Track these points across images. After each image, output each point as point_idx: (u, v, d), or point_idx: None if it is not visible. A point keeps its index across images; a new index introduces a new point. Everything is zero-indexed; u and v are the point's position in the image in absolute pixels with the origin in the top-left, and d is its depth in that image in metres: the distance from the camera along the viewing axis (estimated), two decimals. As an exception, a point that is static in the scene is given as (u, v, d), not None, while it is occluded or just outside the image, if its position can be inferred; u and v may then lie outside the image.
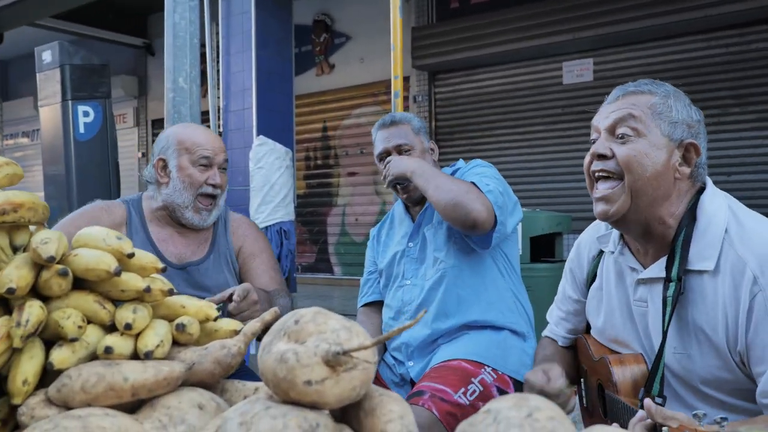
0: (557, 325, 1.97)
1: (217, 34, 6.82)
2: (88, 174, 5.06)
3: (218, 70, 6.81)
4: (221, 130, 6.65)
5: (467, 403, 2.06)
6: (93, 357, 1.17)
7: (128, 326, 1.14)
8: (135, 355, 1.16)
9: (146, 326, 1.18)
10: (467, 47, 7.92)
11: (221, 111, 6.69)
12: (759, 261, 1.36)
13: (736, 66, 6.66)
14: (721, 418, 1.26)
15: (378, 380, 2.42)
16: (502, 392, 2.18)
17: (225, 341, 1.20)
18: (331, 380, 0.92)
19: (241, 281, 2.35)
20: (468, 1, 8.29)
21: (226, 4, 6.67)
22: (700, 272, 1.44)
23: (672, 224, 1.50)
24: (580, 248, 1.87)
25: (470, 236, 2.31)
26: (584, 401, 1.87)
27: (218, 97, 6.75)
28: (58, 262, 1.14)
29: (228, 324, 1.29)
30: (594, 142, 1.56)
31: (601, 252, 1.75)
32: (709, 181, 1.55)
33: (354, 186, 9.52)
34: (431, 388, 2.07)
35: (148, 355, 1.13)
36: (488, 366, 2.23)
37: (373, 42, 9.05)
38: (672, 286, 1.45)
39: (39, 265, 1.16)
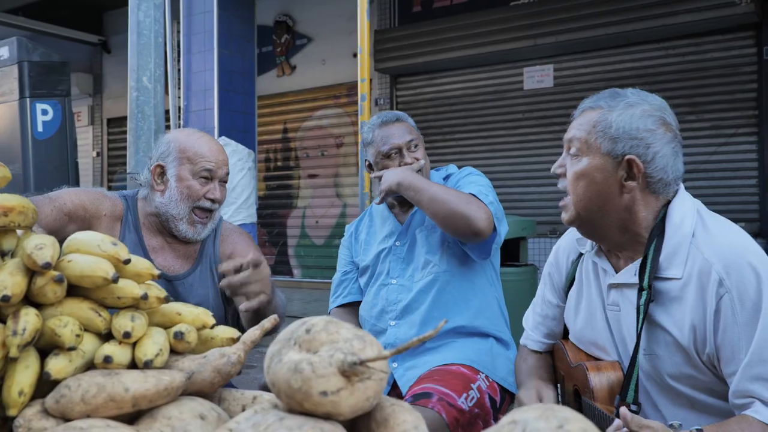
0: (534, 330, 1.97)
1: (178, 32, 6.72)
2: (46, 174, 4.91)
3: (179, 70, 6.71)
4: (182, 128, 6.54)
5: (467, 409, 2.07)
6: (88, 366, 1.14)
7: (127, 335, 1.11)
8: (132, 364, 1.13)
9: (143, 334, 1.15)
10: (429, 51, 7.96)
11: (182, 111, 6.59)
12: (724, 263, 1.40)
13: (691, 75, 6.84)
14: (697, 429, 1.29)
15: None
16: (492, 400, 2.20)
17: (224, 349, 1.18)
18: (346, 390, 0.91)
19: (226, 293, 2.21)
20: (430, 5, 8.34)
21: (187, 3, 6.57)
22: (670, 279, 1.48)
23: (643, 233, 1.54)
24: (559, 252, 1.90)
25: (468, 245, 2.31)
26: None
27: (179, 97, 6.66)
28: (53, 267, 1.11)
29: (224, 331, 1.27)
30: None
31: (580, 255, 1.79)
32: (681, 188, 1.58)
33: (314, 188, 9.47)
34: (438, 392, 2.06)
35: (148, 365, 1.10)
36: (482, 373, 2.25)
37: (335, 44, 9.03)
38: (644, 294, 1.48)
39: (31, 271, 1.12)
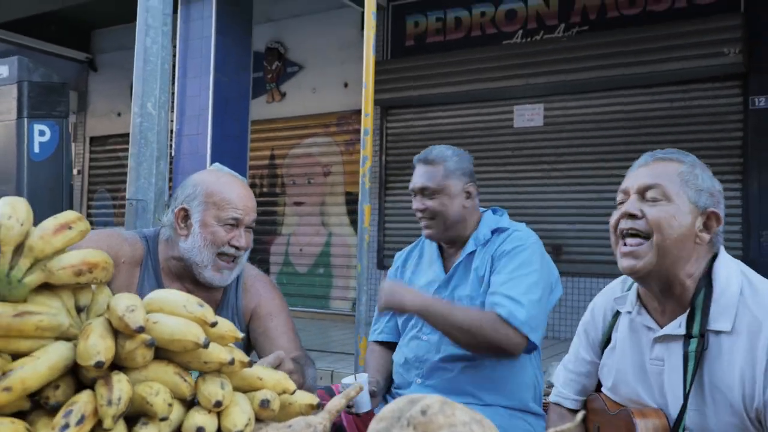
0: (566, 387, 1.95)
1: (174, 56, 6.66)
2: (40, 196, 4.77)
3: (173, 93, 6.64)
4: (173, 153, 6.47)
5: None
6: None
7: (218, 404, 1.07)
8: (218, 432, 1.09)
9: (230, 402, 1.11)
10: (421, 85, 8.00)
11: (174, 134, 6.51)
12: None
13: (678, 121, 6.96)
14: None
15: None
16: None
17: (309, 419, 1.14)
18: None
19: (253, 344, 2.11)
20: (423, 40, 8.40)
21: (185, 28, 6.53)
22: (718, 332, 1.48)
23: (689, 285, 1.55)
24: (595, 310, 1.89)
25: None
26: None
27: (171, 121, 6.58)
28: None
29: (304, 398, 1.22)
30: (621, 204, 1.63)
31: (617, 313, 1.78)
32: (721, 248, 1.61)
33: (300, 216, 9.40)
34: None
35: None
36: None
37: (326, 73, 9.03)
38: (693, 342, 1.49)
39: (116, 332, 1.07)
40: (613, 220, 1.64)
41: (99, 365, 1.00)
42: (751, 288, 1.51)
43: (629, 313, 1.71)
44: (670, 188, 1.53)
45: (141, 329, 1.03)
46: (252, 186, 9.42)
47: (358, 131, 8.76)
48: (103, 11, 9.41)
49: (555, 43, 7.45)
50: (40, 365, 1.00)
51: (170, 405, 1.04)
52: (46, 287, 1.10)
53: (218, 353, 1.12)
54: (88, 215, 11.36)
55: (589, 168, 7.38)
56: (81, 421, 0.97)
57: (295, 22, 9.26)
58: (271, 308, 2.10)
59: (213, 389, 1.08)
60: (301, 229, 9.35)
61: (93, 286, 1.20)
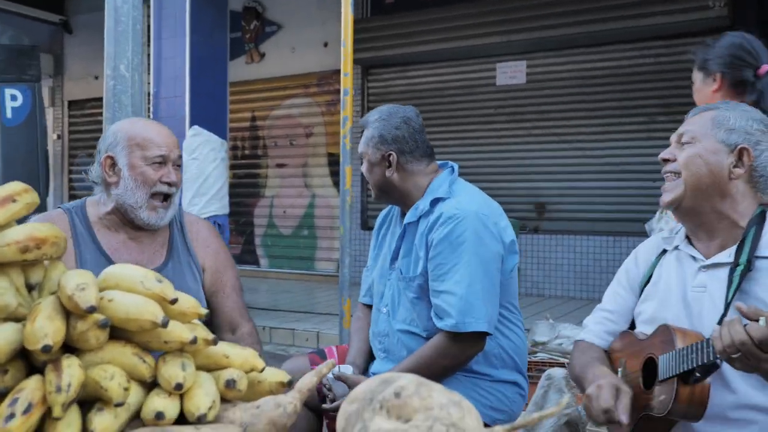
0: (596, 324, 1.94)
1: (149, 16, 6.46)
2: (15, 162, 4.63)
3: (149, 55, 6.46)
4: (151, 116, 6.31)
5: None
6: (132, 418, 1.01)
7: (179, 386, 0.99)
8: (180, 415, 1.01)
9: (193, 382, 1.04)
10: (401, 43, 7.82)
11: (151, 97, 6.35)
12: None
13: (664, 76, 6.86)
14: None
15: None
16: None
17: (278, 399, 1.06)
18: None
19: (208, 299, 2.11)
20: (404, -4, 8.20)
21: (159, -13, 6.32)
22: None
23: (740, 222, 1.65)
24: (639, 252, 1.96)
25: None
26: None
27: (148, 83, 6.41)
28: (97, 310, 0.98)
29: (274, 375, 1.15)
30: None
31: (663, 253, 1.86)
32: None
33: (283, 178, 9.27)
34: None
35: (201, 419, 0.99)
36: None
37: (305, 33, 8.82)
38: (739, 268, 1.57)
39: (68, 312, 0.99)
40: (660, 156, 1.78)
41: (46, 349, 0.92)
42: None
43: (676, 248, 1.80)
44: (699, 131, 1.68)
45: (92, 309, 0.95)
46: (234, 148, 9.33)
47: (338, 91, 8.60)
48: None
49: (538, -2, 7.29)
50: (-18, 351, 0.93)
51: (126, 389, 0.96)
52: (-8, 264, 1.01)
53: (179, 332, 1.04)
54: (70, 180, 11.17)
55: (573, 126, 7.29)
56: (28, 409, 0.89)
57: (273, -20, 9.01)
58: (218, 264, 2.14)
59: (173, 371, 1.00)
60: (284, 191, 9.23)
61: (45, 262, 1.11)
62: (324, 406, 2.18)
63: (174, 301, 1.05)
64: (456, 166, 2.32)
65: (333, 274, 8.41)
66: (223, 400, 1.08)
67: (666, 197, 1.71)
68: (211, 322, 2.07)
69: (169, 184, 1.94)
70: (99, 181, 2.01)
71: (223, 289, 2.11)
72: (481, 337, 2.05)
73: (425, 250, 2.12)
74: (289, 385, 1.15)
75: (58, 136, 10.83)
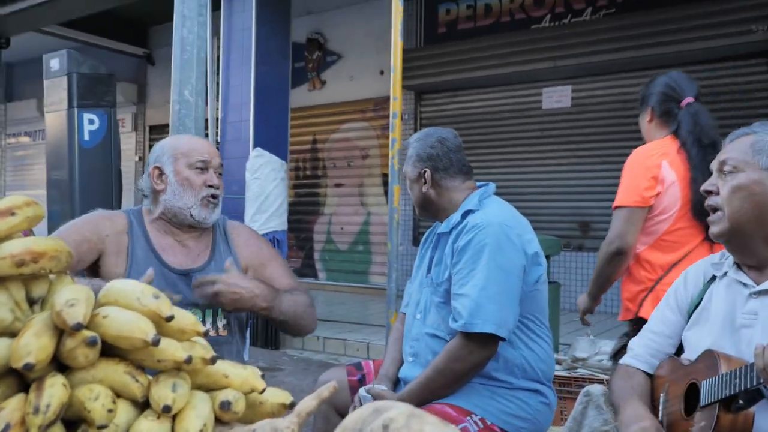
0: (641, 347, 1.77)
1: (218, 48, 6.54)
2: (91, 180, 4.72)
3: (218, 83, 6.53)
4: (219, 139, 6.37)
5: None
6: (122, 440, 0.91)
7: (167, 408, 0.88)
8: (172, 438, 0.91)
9: (185, 403, 0.93)
10: (452, 70, 7.72)
11: (219, 121, 6.40)
12: None
13: (706, 99, 6.46)
14: None
15: None
16: None
17: (276, 423, 0.94)
18: None
19: None
20: (455, 27, 8.09)
21: (227, 20, 6.41)
22: None
23: None
24: (688, 276, 1.78)
25: None
26: (660, 416, 1.64)
27: (217, 108, 6.47)
28: (85, 327, 0.88)
29: (275, 396, 1.03)
30: None
31: (712, 279, 1.68)
32: None
33: (340, 197, 9.24)
34: None
35: None
36: (477, 414, 1.94)
37: (363, 61, 8.81)
38: None
39: (61, 329, 0.90)
40: (702, 188, 1.63)
41: (28, 367, 0.82)
42: None
43: (725, 274, 1.63)
44: (741, 159, 1.51)
45: (78, 326, 0.85)
46: (295, 169, 9.36)
47: (394, 115, 8.56)
48: (158, 9, 9.36)
49: (582, 26, 7.07)
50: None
51: (111, 411, 0.86)
52: (-9, 279, 0.93)
53: (173, 351, 0.93)
54: (150, 198, 11.38)
55: (615, 147, 7.00)
56: (5, 430, 0.80)
57: (334, 14, 9.05)
58: (262, 258, 2.14)
59: (163, 392, 0.90)
60: (342, 209, 9.20)
61: (52, 276, 1.03)
62: None
63: (170, 318, 0.94)
64: (493, 185, 2.23)
65: (385, 287, 8.28)
66: (220, 421, 0.97)
67: (713, 230, 1.57)
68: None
69: (213, 187, 1.99)
70: (148, 192, 2.05)
71: (272, 274, 2.10)
72: (490, 340, 1.91)
73: (452, 257, 2.04)
74: (291, 407, 1.03)
75: (140, 158, 11.11)
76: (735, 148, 1.54)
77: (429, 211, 2.23)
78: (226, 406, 0.94)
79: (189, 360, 0.93)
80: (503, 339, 1.93)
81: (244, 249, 2.13)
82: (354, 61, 8.93)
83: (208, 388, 1.00)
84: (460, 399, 1.97)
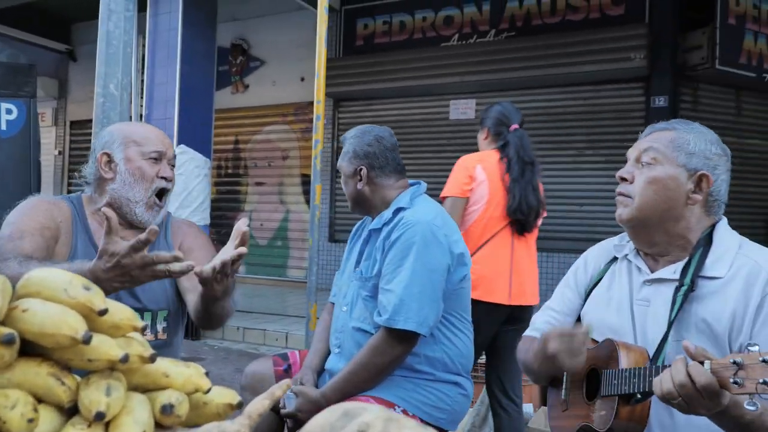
0: (544, 323, 1.71)
1: (143, 46, 6.14)
2: (7, 171, 4.24)
3: (142, 80, 6.12)
4: (142, 136, 5.96)
5: None
6: (44, 452, 0.72)
7: (100, 416, 0.70)
8: (104, 448, 0.73)
9: (121, 408, 0.75)
10: (368, 80, 7.63)
11: (143, 118, 6.00)
12: None
13: (590, 116, 6.78)
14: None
15: None
16: None
17: (223, 426, 0.78)
18: None
19: (181, 291, 1.78)
20: (372, 40, 8.00)
21: (154, 20, 6.00)
22: (713, 278, 1.37)
23: (692, 241, 1.44)
24: (588, 257, 1.71)
25: None
26: (562, 395, 1.59)
27: (141, 105, 6.07)
28: (0, 323, 0.69)
29: (222, 396, 0.86)
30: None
31: (613, 260, 1.63)
32: (724, 219, 1.48)
33: (261, 195, 8.92)
34: None
35: None
36: (399, 406, 1.85)
37: (285, 68, 8.55)
38: (684, 288, 1.37)
39: (-30, 325, 0.70)
40: (618, 174, 1.53)
41: (-75, 372, 0.63)
42: (750, 244, 1.42)
43: (626, 256, 1.56)
44: (662, 152, 1.42)
45: (-8, 323, 0.66)
46: (217, 168, 8.96)
47: (311, 120, 8.37)
48: (82, 5, 8.72)
49: (486, 45, 7.17)
50: None
51: (31, 420, 0.67)
52: None
53: (106, 349, 0.75)
54: (69, 192, 10.62)
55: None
56: None
57: (258, 22, 8.73)
58: (193, 244, 1.83)
59: (95, 396, 0.71)
60: (262, 206, 8.89)
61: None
62: (282, 412, 1.90)
63: (103, 312, 0.76)
64: (425, 185, 2.13)
65: (303, 280, 8.09)
66: (161, 426, 0.79)
67: (622, 215, 1.48)
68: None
69: (166, 179, 1.72)
70: (92, 179, 1.74)
71: (198, 261, 1.64)
72: (411, 336, 1.82)
73: (382, 252, 1.93)
74: (238, 407, 0.87)
75: (60, 152, 10.30)
76: (657, 139, 1.45)
77: (362, 207, 2.09)
78: (168, 409, 0.77)
79: (125, 359, 0.75)
80: (423, 335, 1.84)
81: (178, 237, 1.86)
82: (276, 67, 8.65)
83: (146, 389, 0.82)
84: (384, 391, 1.87)
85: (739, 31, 6.12)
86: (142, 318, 1.67)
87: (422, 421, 1.88)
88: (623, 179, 1.48)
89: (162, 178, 1.71)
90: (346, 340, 2.00)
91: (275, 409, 1.95)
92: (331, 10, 4.78)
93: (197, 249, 1.83)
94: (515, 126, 2.90)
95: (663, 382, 1.13)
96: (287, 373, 2.11)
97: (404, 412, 1.85)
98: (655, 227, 1.44)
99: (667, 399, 1.13)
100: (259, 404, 0.80)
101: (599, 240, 1.73)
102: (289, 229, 8.68)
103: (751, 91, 6.63)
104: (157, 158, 1.71)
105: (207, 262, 1.64)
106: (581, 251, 1.76)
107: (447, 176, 8.76)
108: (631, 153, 1.50)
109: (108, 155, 1.69)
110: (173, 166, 1.78)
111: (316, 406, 1.78)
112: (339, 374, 1.88)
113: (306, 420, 1.81)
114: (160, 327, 1.74)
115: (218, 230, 8.80)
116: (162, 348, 1.67)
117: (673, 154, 1.41)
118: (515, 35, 7.11)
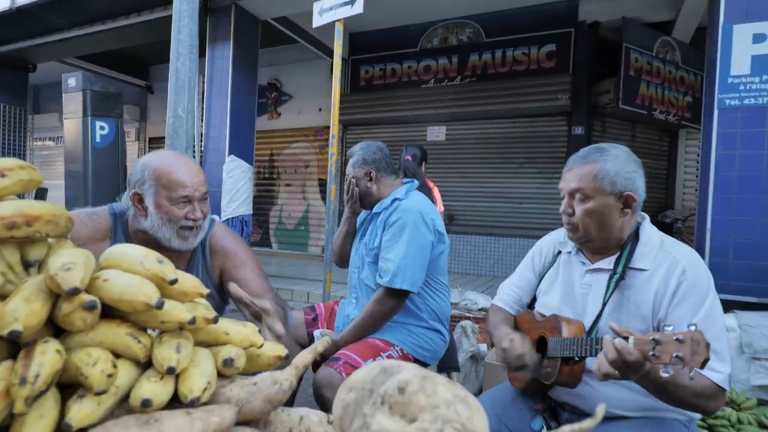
0: (507, 295, 1.61)
1: (203, 82, 5.96)
2: (101, 174, 4.08)
3: (202, 108, 5.94)
4: (203, 149, 5.79)
5: None
6: (121, 401, 0.60)
7: (172, 370, 0.59)
8: (174, 396, 0.61)
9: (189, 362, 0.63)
10: (368, 111, 7.46)
11: (204, 136, 5.82)
12: (689, 262, 1.22)
13: (528, 140, 6.67)
14: (693, 326, 0.97)
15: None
16: None
17: (276, 375, 0.67)
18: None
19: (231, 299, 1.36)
20: (371, 82, 7.83)
21: (211, 63, 5.83)
22: (639, 269, 1.26)
23: (623, 239, 1.32)
24: (543, 245, 1.59)
25: None
26: None
27: (201, 126, 5.89)
28: (82, 291, 0.57)
29: (272, 349, 0.75)
30: (563, 198, 1.34)
31: (559, 253, 1.51)
32: (646, 216, 1.36)
33: (289, 193, 8.73)
34: (345, 356, 1.64)
35: (194, 403, 0.58)
36: (397, 346, 1.79)
37: (306, 101, 8.37)
38: (616, 276, 1.27)
39: (57, 294, 0.57)
40: (561, 209, 1.36)
41: (14, 335, 0.50)
42: (669, 241, 1.30)
43: (569, 252, 1.45)
44: (589, 188, 1.27)
45: (75, 291, 0.54)
46: (258, 173, 8.77)
47: (327, 139, 8.21)
48: (157, 51, 8.48)
49: (454, 87, 7.03)
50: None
51: (110, 376, 0.55)
52: (-17, 240, 0.59)
53: (177, 312, 0.63)
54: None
55: (473, 167, 7.04)
56: (-15, 404, 0.47)
57: (288, 67, 8.54)
58: (237, 261, 1.42)
59: (167, 353, 0.60)
60: (290, 201, 8.71)
61: (51, 240, 0.69)
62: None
63: (174, 282, 0.64)
64: (416, 182, 2.05)
65: (319, 255, 7.99)
66: (223, 376, 0.68)
67: (571, 237, 1.35)
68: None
69: (194, 220, 1.32)
70: (128, 207, 1.37)
71: (245, 277, 1.39)
72: (404, 293, 1.78)
73: (382, 229, 1.87)
74: (285, 359, 0.76)
75: (141, 160, 10.04)
76: (582, 179, 1.27)
77: (369, 201, 1.97)
78: (229, 363, 0.66)
79: (193, 321, 0.64)
80: (414, 293, 1.79)
81: (219, 254, 1.45)
82: (300, 100, 8.47)
83: (210, 344, 0.70)
84: (387, 334, 1.81)
85: (636, 81, 6.04)
86: None
87: (414, 359, 1.82)
88: (566, 213, 1.34)
89: (190, 219, 1.31)
90: (360, 292, 1.95)
91: (307, 346, 1.87)
92: (342, 59, 4.68)
93: (243, 265, 1.43)
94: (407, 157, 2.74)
95: (600, 365, 1.04)
96: (315, 321, 2.02)
97: (401, 350, 1.79)
98: (596, 239, 1.33)
99: (606, 376, 1.03)
100: (305, 357, 0.69)
101: (534, 228, 1.62)
102: (310, 218, 8.54)
103: (643, 124, 6.57)
104: (186, 201, 1.31)
105: (252, 275, 1.40)
106: (520, 236, 1.67)
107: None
108: (564, 188, 1.33)
109: (139, 195, 1.31)
110: (205, 200, 1.35)
111: (336, 346, 1.75)
112: (351, 323, 1.82)
113: (330, 355, 1.72)
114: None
115: (258, 218, 8.66)
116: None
117: (599, 186, 1.26)
118: (476, 80, 6.98)
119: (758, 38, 3.15)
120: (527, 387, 1.41)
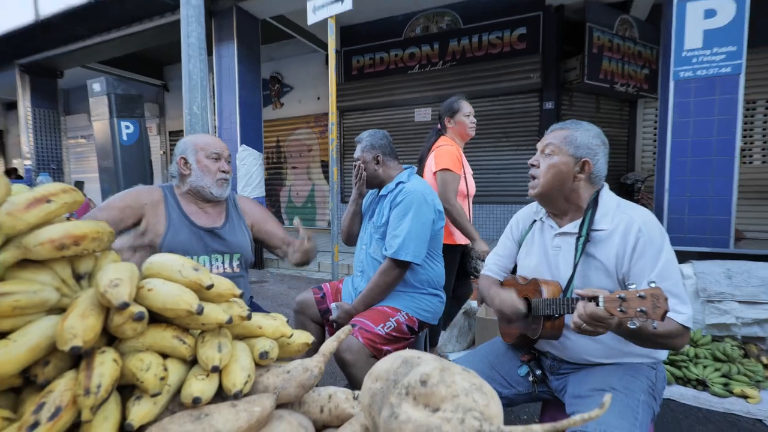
0: (494, 264, 1.62)
1: (213, 79, 5.77)
2: (129, 167, 4.00)
3: (214, 102, 5.78)
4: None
5: (383, 333, 1.65)
6: (173, 396, 0.59)
7: (215, 369, 0.58)
8: (218, 387, 0.60)
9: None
10: (361, 97, 7.29)
11: (216, 128, 5.69)
12: (643, 221, 1.21)
13: (505, 116, 6.56)
14: (653, 282, 0.98)
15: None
16: (410, 328, 1.76)
17: (306, 363, 0.66)
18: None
19: (261, 244, 1.75)
20: (363, 70, 7.60)
21: (218, 61, 5.63)
22: (601, 230, 1.26)
23: (582, 205, 1.32)
24: (519, 218, 1.59)
25: None
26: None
27: (214, 119, 5.74)
28: (131, 303, 0.55)
29: (300, 337, 0.74)
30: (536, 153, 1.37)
31: (533, 222, 1.51)
32: (606, 185, 1.34)
33: (296, 175, 8.63)
34: (360, 322, 1.64)
35: (238, 395, 0.58)
36: (403, 311, 1.79)
37: (306, 91, 8.15)
38: (581, 239, 1.28)
39: (108, 307, 0.56)
40: (530, 161, 1.38)
41: (75, 350, 0.49)
42: (625, 203, 1.28)
43: (541, 219, 1.44)
44: (556, 145, 1.29)
45: (124, 305, 0.52)
46: (267, 158, 8.64)
47: (326, 125, 8.05)
48: (171, 52, 8.17)
49: (437, 71, 6.84)
50: (16, 349, 0.49)
51: (162, 378, 0.54)
52: (34, 260, 0.56)
53: (215, 315, 0.62)
54: (169, 180, 10.21)
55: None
56: (56, 414, 0.46)
57: (287, 60, 8.27)
58: (261, 218, 1.75)
59: (210, 353, 0.59)
60: (297, 182, 8.62)
61: (97, 253, 0.67)
62: (330, 318, 1.80)
63: (210, 287, 0.63)
64: (415, 167, 2.00)
65: (325, 228, 7.98)
66: (258, 365, 0.67)
67: (531, 191, 1.37)
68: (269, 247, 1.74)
69: (225, 172, 1.60)
70: (176, 174, 1.61)
71: (272, 229, 1.73)
72: (407, 264, 1.77)
73: (389, 209, 1.84)
74: (312, 346, 0.75)
75: (163, 153, 9.83)
76: (555, 137, 1.31)
77: (376, 183, 1.93)
78: (264, 355, 0.65)
79: (230, 320, 0.62)
80: (417, 264, 1.78)
81: (249, 214, 1.74)
82: (300, 91, 8.24)
83: (245, 337, 0.69)
84: (393, 301, 1.80)
85: (599, 57, 5.89)
86: (223, 258, 1.59)
87: (418, 320, 1.83)
88: (533, 165, 1.37)
89: (222, 171, 1.61)
90: (367, 266, 1.92)
91: (319, 321, 1.86)
92: (336, 51, 4.55)
93: (267, 221, 1.74)
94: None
95: (574, 322, 1.05)
96: (323, 298, 2.01)
97: (407, 314, 1.79)
98: (556, 197, 1.32)
99: (579, 330, 1.05)
100: (330, 344, 0.68)
101: (512, 195, 1.59)
102: (315, 196, 8.48)
103: (606, 96, 6.45)
104: (217, 158, 1.59)
105: (276, 227, 1.73)
106: (500, 203, 1.66)
107: (414, 160, 8.45)
108: (539, 145, 1.37)
109: (184, 159, 1.59)
110: (229, 161, 1.65)
111: (349, 315, 1.74)
112: (362, 293, 1.81)
113: (344, 324, 1.73)
114: (235, 264, 1.63)
115: (269, 199, 8.59)
116: (235, 278, 1.57)
117: (565, 147, 1.28)
118: (456, 64, 6.78)
119: (709, 13, 3.04)
120: (516, 342, 1.43)
